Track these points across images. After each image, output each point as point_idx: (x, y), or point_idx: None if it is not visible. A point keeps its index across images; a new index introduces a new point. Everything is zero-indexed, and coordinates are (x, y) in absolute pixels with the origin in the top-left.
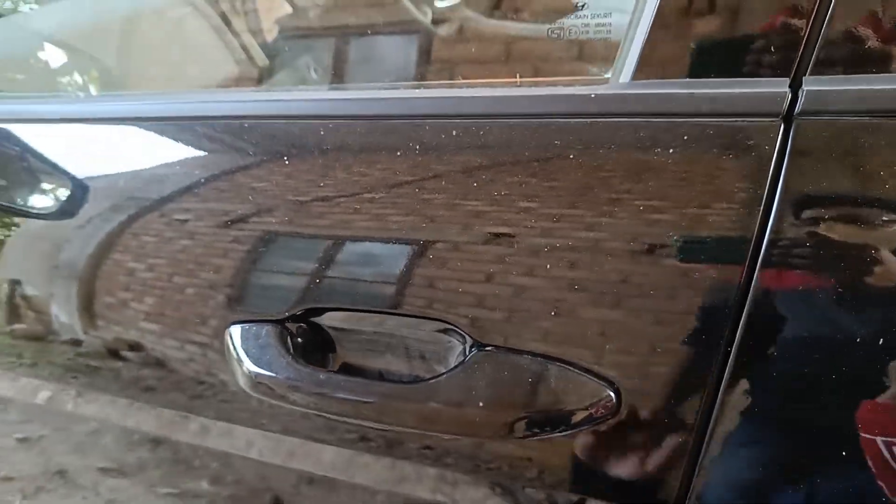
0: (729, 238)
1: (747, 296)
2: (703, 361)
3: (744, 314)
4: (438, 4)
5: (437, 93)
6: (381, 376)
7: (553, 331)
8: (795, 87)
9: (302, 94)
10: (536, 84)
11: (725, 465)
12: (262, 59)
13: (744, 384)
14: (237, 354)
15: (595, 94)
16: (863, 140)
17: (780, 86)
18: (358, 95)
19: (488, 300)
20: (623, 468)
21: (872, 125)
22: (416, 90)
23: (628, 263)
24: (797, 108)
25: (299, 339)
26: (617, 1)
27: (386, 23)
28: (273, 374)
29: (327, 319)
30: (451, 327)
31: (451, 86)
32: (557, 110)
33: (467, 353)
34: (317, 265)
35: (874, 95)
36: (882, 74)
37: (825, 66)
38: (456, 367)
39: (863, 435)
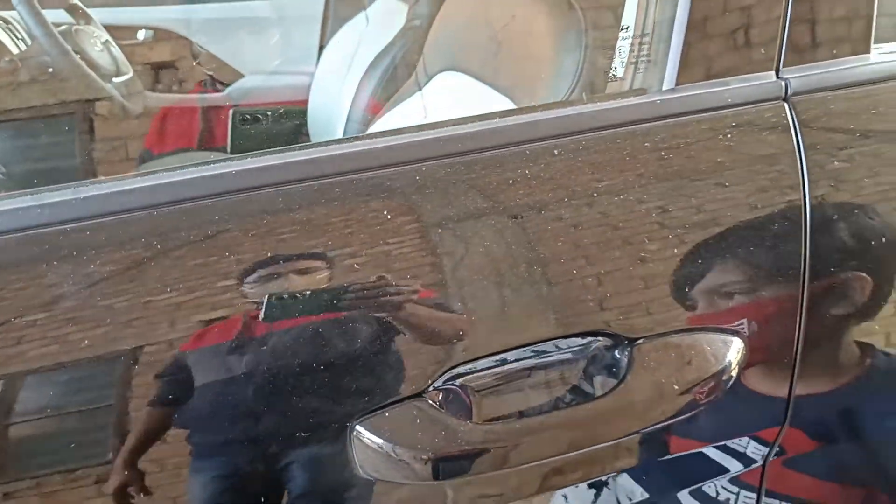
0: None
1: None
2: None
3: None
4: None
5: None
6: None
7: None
8: (780, 76)
9: None
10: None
11: None
12: None
13: None
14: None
15: (660, 100)
16: (833, 107)
17: (772, 77)
18: None
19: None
20: None
21: (837, 97)
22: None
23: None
24: (789, 92)
25: (441, 409)
26: None
27: None
28: (463, 442)
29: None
30: (597, 334)
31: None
32: (628, 119)
33: (622, 353)
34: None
35: (830, 76)
36: (832, 60)
37: (795, 58)
38: (628, 367)
39: None
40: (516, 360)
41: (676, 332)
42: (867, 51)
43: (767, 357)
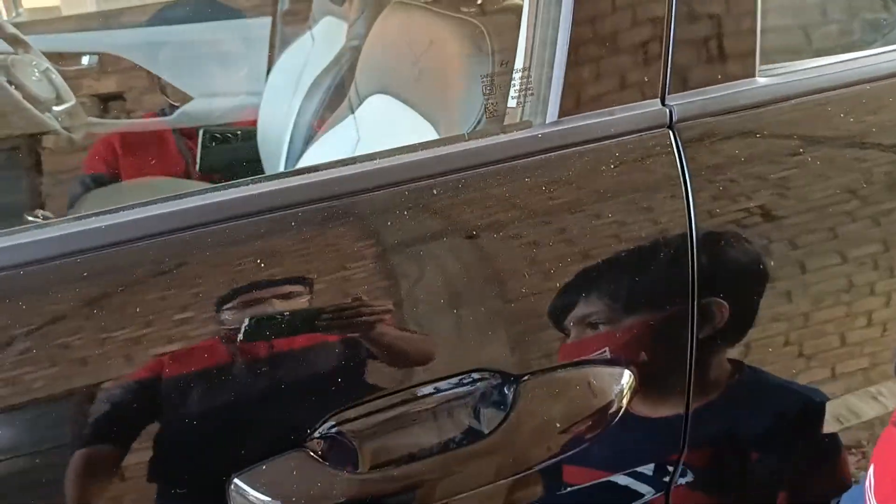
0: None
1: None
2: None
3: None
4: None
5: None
6: (412, 458)
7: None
8: (665, 104)
9: None
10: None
11: None
12: None
13: None
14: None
15: (541, 134)
16: (717, 132)
17: (657, 105)
18: None
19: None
20: None
21: (722, 122)
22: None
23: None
24: (674, 119)
25: (321, 459)
26: None
27: None
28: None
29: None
30: (479, 373)
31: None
32: (507, 155)
33: (508, 390)
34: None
35: (714, 102)
36: (718, 85)
37: (679, 85)
38: (513, 404)
39: None
40: (400, 403)
41: (562, 367)
42: (753, 74)
43: (658, 383)
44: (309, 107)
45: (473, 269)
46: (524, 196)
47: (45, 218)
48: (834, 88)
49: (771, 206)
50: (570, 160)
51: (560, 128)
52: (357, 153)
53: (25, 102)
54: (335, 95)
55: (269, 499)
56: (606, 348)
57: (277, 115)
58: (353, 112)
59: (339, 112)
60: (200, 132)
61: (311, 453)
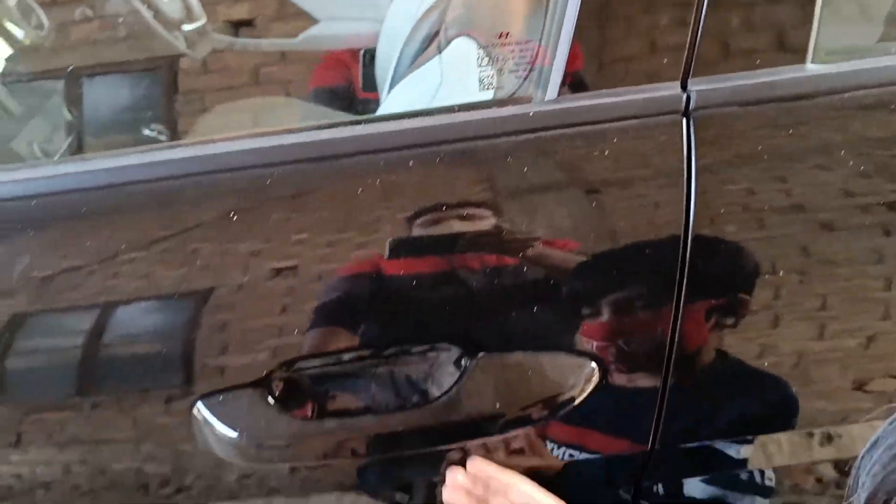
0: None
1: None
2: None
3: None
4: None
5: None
6: (368, 411)
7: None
8: (685, 88)
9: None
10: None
11: None
12: None
13: None
14: (216, 428)
15: (533, 112)
16: (743, 125)
17: (676, 88)
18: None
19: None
20: None
21: (748, 112)
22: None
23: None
24: (691, 106)
25: (277, 398)
26: None
27: None
28: (279, 434)
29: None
30: (437, 346)
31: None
32: (501, 130)
33: (463, 364)
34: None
35: (742, 90)
36: (747, 71)
37: (704, 70)
38: (461, 377)
39: None
40: (357, 360)
41: (524, 351)
42: (803, 60)
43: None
44: (414, 40)
45: (455, 244)
46: (503, 174)
47: (159, 133)
48: None
49: (792, 222)
50: (559, 143)
51: (556, 107)
52: (437, 98)
53: (155, 21)
54: (435, 33)
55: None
56: (577, 338)
57: (390, 43)
58: (440, 52)
59: (429, 51)
60: (361, 53)
61: (264, 391)
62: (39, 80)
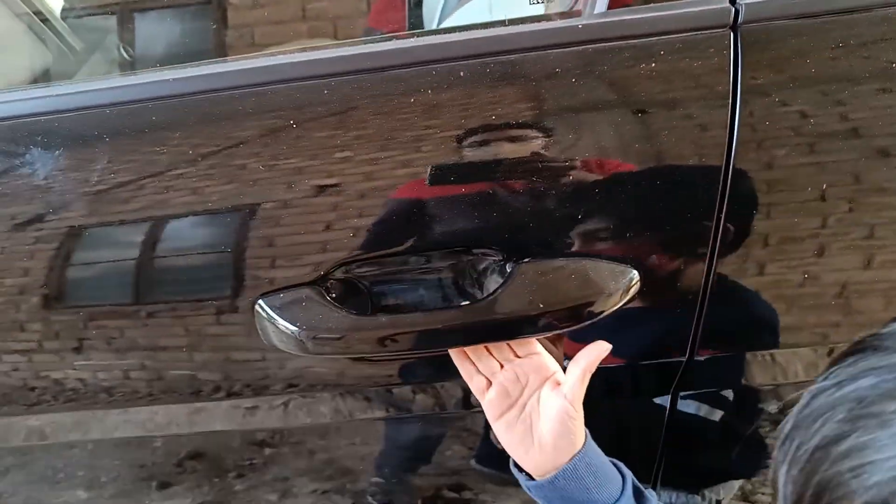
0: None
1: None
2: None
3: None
4: None
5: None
6: (417, 309)
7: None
8: (734, 2)
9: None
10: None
11: None
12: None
13: None
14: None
15: (582, 25)
16: (794, 40)
17: (723, 1)
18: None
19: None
20: None
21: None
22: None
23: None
24: (739, 19)
25: (334, 296)
26: None
27: None
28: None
29: (354, 273)
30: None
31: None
32: (550, 42)
33: (507, 269)
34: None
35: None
36: None
37: None
38: (506, 281)
39: None
40: (407, 264)
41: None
42: None
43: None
44: None
45: (499, 159)
46: (552, 88)
47: None
48: None
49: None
50: (606, 56)
51: (605, 20)
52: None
53: None
54: None
55: (280, 319)
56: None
57: None
58: None
59: None
60: None
61: (321, 290)
62: (98, 16)
